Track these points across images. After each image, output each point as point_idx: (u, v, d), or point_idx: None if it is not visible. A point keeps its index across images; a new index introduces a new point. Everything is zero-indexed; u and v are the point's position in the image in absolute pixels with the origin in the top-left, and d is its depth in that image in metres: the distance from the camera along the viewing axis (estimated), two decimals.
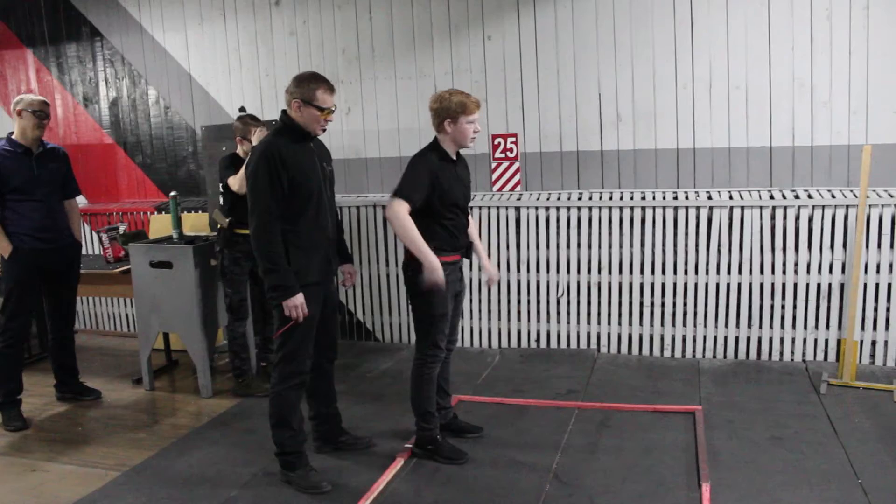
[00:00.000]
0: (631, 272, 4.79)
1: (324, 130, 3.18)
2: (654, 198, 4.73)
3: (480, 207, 5.02)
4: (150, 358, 4.57)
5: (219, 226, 4.38)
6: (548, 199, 4.92)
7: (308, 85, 3.06)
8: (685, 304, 4.73)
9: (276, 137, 3.09)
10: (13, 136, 4.06)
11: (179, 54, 5.81)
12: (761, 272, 4.56)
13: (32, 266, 4.10)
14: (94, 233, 5.97)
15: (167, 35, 5.81)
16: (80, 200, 5.87)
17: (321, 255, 3.20)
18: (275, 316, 3.17)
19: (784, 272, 4.52)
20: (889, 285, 4.35)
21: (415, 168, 3.19)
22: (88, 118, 6.20)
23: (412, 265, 3.22)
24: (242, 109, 4.89)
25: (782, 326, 4.57)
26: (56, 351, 4.45)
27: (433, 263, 3.09)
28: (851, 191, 4.38)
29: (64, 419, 4.21)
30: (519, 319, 5.09)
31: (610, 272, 4.83)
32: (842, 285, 4.44)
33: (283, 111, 3.14)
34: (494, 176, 5.16)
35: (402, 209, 3.11)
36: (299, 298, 3.04)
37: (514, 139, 5.06)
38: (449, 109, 3.20)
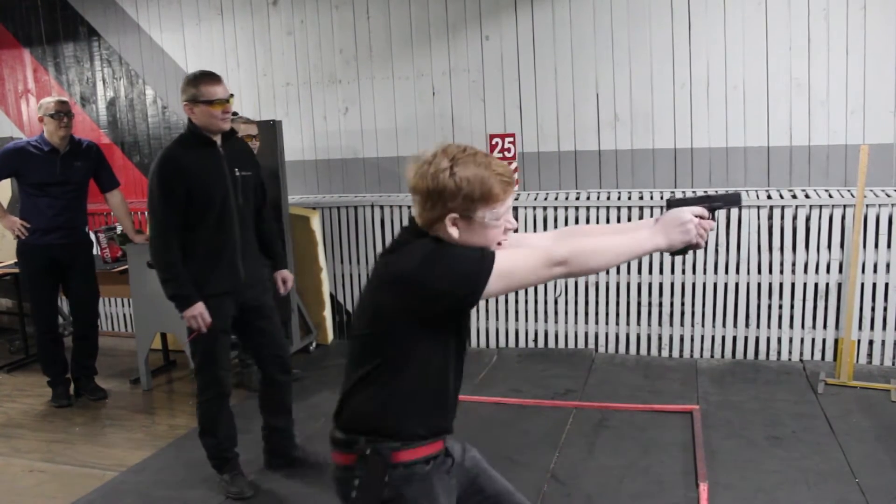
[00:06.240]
0: (629, 272, 4.79)
1: (224, 123, 3.05)
2: (651, 198, 4.72)
3: None
4: (147, 358, 4.57)
5: None
6: (545, 198, 4.91)
7: (190, 84, 3.03)
8: (683, 304, 4.73)
9: (175, 145, 3.04)
10: (45, 135, 4.22)
11: (177, 54, 5.79)
12: (759, 272, 4.55)
13: (43, 260, 4.24)
14: (91, 233, 5.95)
15: (164, 35, 5.80)
16: None
17: (224, 263, 3.06)
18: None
19: (782, 272, 4.52)
20: (886, 285, 4.35)
21: None
22: (86, 118, 6.18)
23: None
24: (235, 114, 4.89)
25: (780, 326, 4.57)
26: (74, 349, 4.53)
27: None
28: (849, 190, 4.38)
29: (61, 419, 4.20)
30: (517, 319, 5.08)
31: (607, 272, 4.83)
32: (839, 285, 4.44)
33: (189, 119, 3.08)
34: None
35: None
36: (199, 307, 2.95)
37: (511, 139, 5.06)
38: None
